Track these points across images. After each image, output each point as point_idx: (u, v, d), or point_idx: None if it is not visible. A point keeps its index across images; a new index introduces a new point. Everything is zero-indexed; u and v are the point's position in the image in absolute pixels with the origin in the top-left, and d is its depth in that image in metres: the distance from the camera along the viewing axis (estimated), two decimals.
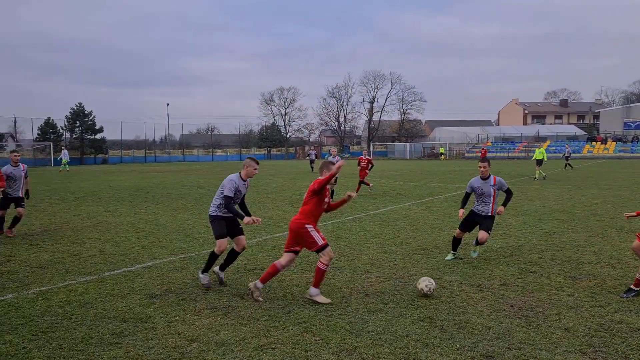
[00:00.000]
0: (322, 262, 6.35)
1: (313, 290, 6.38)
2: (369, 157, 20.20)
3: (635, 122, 73.12)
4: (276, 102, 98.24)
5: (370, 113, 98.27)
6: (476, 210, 8.51)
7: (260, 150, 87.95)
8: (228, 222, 7.12)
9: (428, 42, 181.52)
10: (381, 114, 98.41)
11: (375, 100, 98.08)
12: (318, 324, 5.58)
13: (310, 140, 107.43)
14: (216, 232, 7.06)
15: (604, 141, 67.85)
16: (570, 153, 39.13)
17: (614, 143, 66.45)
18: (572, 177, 28.44)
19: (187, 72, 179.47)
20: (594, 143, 68.03)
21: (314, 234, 6.36)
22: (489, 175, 8.41)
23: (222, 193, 6.97)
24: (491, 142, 77.17)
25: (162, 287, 7.10)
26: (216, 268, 7.29)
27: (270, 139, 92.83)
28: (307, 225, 6.37)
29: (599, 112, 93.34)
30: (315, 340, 5.12)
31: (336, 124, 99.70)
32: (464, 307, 6.09)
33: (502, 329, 5.38)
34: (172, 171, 42.62)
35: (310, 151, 40.79)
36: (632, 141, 66.68)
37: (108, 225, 12.63)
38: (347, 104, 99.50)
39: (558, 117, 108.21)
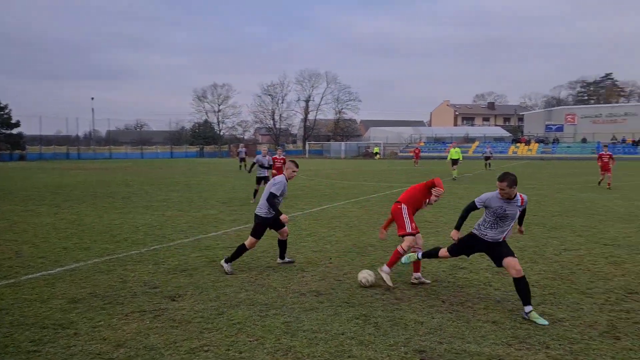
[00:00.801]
0: (401, 246, 6.96)
1: (385, 268, 7.00)
2: (283, 157, 19.78)
3: (556, 125, 77.92)
4: (209, 99, 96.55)
5: (306, 112, 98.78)
6: (482, 235, 6.23)
7: (193, 148, 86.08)
8: (272, 222, 7.86)
9: (364, 42, 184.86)
10: (317, 112, 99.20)
11: (311, 99, 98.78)
12: (253, 324, 5.53)
13: (245, 138, 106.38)
14: (257, 232, 7.77)
15: (527, 143, 71.79)
16: (492, 153, 40.51)
17: (537, 144, 70.47)
18: (492, 177, 29.82)
19: (115, 66, 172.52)
20: (518, 144, 71.80)
21: (406, 218, 7.02)
22: (516, 194, 6.07)
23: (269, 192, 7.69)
24: (424, 142, 79.68)
25: (86, 290, 6.77)
26: (279, 260, 8.29)
27: (203, 136, 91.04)
28: (403, 206, 7.09)
29: (523, 114, 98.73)
30: (250, 341, 5.07)
31: (271, 121, 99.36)
32: (397, 304, 6.24)
33: (434, 324, 5.56)
34: (98, 169, 40.82)
35: (241, 149, 39.81)
36: (552, 143, 71.00)
37: (26, 226, 11.90)
38: (282, 102, 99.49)
39: (486, 119, 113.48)
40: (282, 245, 8.26)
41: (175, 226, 12.01)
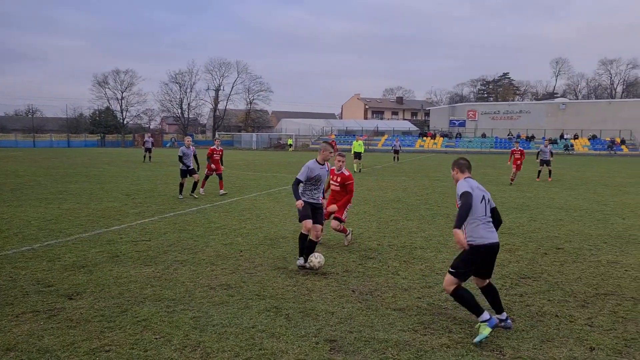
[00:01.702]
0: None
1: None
2: (221, 149, 19.14)
3: (459, 120, 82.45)
4: (111, 85, 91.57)
5: (216, 101, 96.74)
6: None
7: (93, 137, 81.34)
8: (312, 207, 7.46)
9: (276, 33, 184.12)
10: (227, 102, 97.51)
11: (221, 88, 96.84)
12: (159, 321, 5.34)
13: (151, 127, 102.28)
14: (301, 214, 7.35)
15: (433, 137, 75.40)
16: (400, 146, 42.01)
17: (442, 139, 74.22)
18: (406, 170, 31.09)
19: (4, 47, 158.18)
20: (425, 138, 75.19)
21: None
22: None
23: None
24: (335, 135, 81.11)
25: None
26: (300, 260, 7.45)
27: (105, 125, 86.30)
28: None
29: (429, 110, 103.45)
30: (156, 338, 4.90)
31: (179, 111, 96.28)
32: (309, 295, 6.32)
33: (344, 313, 5.69)
34: None
35: (147, 139, 37.92)
36: (456, 137, 75.12)
37: None
38: (191, 91, 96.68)
39: (395, 113, 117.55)
40: (310, 247, 7.43)
41: (73, 220, 11.30)
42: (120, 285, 6.60)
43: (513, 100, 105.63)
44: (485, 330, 4.90)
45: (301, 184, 7.42)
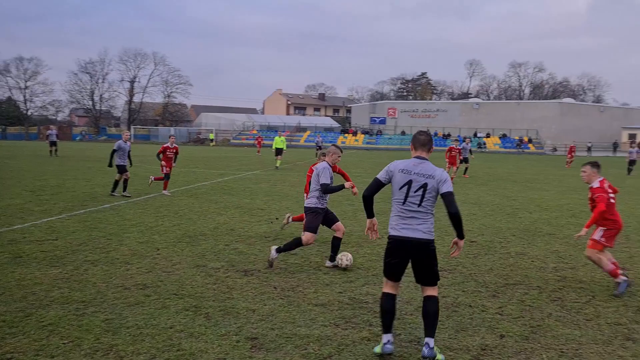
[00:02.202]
0: None
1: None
2: (176, 146, 17.43)
3: (379, 117, 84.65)
4: (14, 74, 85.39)
5: (131, 93, 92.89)
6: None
7: None
8: (324, 215, 7.62)
9: (196, 25, 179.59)
10: (143, 95, 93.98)
11: (137, 80, 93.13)
12: (67, 325, 5.05)
13: (58, 119, 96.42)
14: (310, 224, 7.41)
15: (354, 133, 76.87)
16: (322, 143, 42.53)
17: (363, 135, 75.84)
18: None
19: None
20: (346, 135, 76.49)
21: None
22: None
23: (319, 182, 7.46)
24: (257, 130, 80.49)
25: None
26: (328, 263, 7.58)
27: (6, 116, 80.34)
28: None
29: (351, 107, 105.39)
30: (64, 343, 4.63)
31: (90, 102, 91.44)
32: (229, 293, 6.23)
33: (266, 310, 5.67)
34: None
35: (50, 131, 34.91)
36: (376, 134, 77.05)
37: None
38: (103, 82, 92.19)
39: (317, 109, 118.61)
40: (336, 245, 7.62)
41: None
42: (23, 287, 6.17)
43: (431, 99, 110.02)
44: (377, 349, 4.61)
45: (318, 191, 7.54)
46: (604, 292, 6.68)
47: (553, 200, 15.91)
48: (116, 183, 14.85)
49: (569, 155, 34.08)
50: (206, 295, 6.10)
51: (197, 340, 4.81)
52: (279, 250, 7.39)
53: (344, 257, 7.46)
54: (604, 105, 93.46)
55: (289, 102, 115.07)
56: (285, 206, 13.50)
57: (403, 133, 76.87)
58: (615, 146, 68.03)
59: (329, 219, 7.81)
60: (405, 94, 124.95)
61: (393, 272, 4.68)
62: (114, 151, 14.74)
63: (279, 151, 27.91)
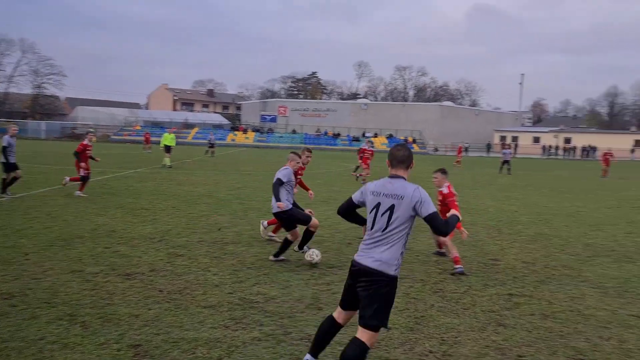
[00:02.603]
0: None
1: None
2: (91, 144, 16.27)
3: (270, 115, 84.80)
4: None
5: None
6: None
7: None
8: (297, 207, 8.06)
9: (67, 11, 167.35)
10: (8, 85, 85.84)
11: (0, 68, 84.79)
12: None
13: None
14: (304, 219, 7.97)
15: (245, 131, 76.26)
16: (214, 140, 41.70)
17: (254, 133, 75.46)
18: (218, 163, 30.89)
19: None
20: (236, 132, 75.66)
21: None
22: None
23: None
24: (141, 126, 76.96)
25: None
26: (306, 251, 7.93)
27: None
28: None
29: (241, 104, 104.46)
30: None
31: None
32: (109, 299, 5.88)
33: (150, 315, 5.42)
34: None
35: None
36: (267, 132, 77.09)
37: None
38: None
39: (205, 105, 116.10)
40: (307, 236, 8.14)
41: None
42: None
43: (321, 99, 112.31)
44: None
45: (283, 187, 8.02)
46: (479, 282, 7.23)
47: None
48: (4, 182, 13.42)
49: (459, 155, 37.96)
50: (83, 303, 5.70)
51: (73, 351, 4.48)
52: (276, 256, 7.91)
53: (314, 254, 7.71)
54: (479, 109, 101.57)
55: (176, 98, 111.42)
56: (171, 205, 13.04)
57: (294, 132, 77.66)
58: (489, 147, 73.98)
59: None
60: (296, 92, 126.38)
61: (342, 297, 4.18)
62: (4, 148, 13.15)
63: (167, 148, 26.75)
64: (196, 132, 72.39)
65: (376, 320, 3.82)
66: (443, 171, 8.20)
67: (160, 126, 76.68)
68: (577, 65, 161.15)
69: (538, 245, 9.89)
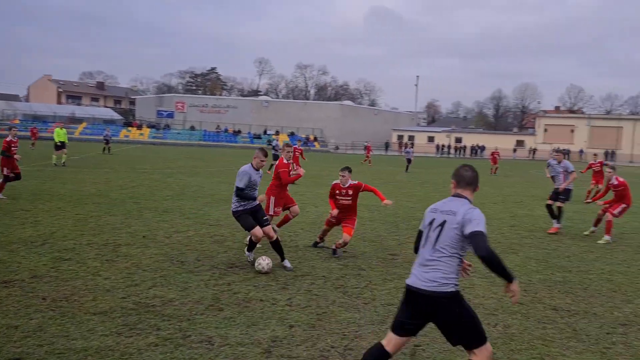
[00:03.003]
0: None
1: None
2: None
3: (167, 111, 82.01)
4: None
5: None
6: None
7: None
8: (252, 213, 7.62)
9: None
10: None
11: None
12: None
13: None
14: (245, 225, 7.55)
15: (139, 127, 73.10)
16: (111, 137, 39.76)
17: (149, 129, 72.54)
18: (110, 161, 29.29)
19: None
20: (130, 128, 72.32)
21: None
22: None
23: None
24: (19, 120, 71.12)
25: None
26: (286, 263, 7.69)
27: None
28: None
29: (135, 98, 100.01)
30: None
31: None
32: None
33: (32, 325, 5.03)
34: None
35: None
36: (164, 129, 74.47)
37: None
38: None
39: (95, 99, 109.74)
40: (276, 247, 7.72)
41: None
42: None
43: (221, 95, 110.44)
44: None
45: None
46: (379, 277, 7.48)
47: None
48: None
49: (368, 154, 39.59)
50: None
51: None
52: (249, 249, 7.85)
53: (263, 262, 7.34)
54: (377, 108, 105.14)
55: (61, 90, 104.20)
56: (56, 206, 12.18)
57: (192, 128, 75.73)
58: (387, 146, 76.89)
59: (258, 220, 7.63)
60: (194, 88, 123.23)
61: (397, 320, 3.83)
62: None
63: (61, 145, 24.48)
64: (84, 128, 68.29)
65: (476, 341, 3.66)
66: (350, 170, 8.67)
67: (43, 120, 71.44)
68: (466, 69, 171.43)
69: None
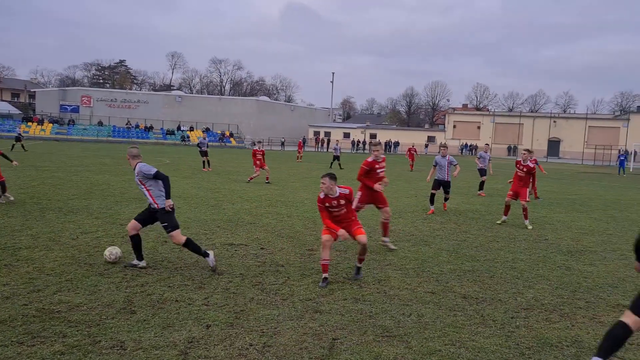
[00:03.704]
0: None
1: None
2: None
3: (72, 105, 77.66)
4: None
5: None
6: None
7: None
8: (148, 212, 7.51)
9: None
10: None
11: None
12: None
13: None
14: (169, 224, 7.36)
15: (40, 122, 68.70)
16: (23, 134, 38.03)
17: (51, 125, 68.35)
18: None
19: None
20: (30, 123, 67.80)
21: None
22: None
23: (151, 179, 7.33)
24: None
25: None
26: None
27: None
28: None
29: (35, 91, 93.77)
30: None
31: None
32: None
33: None
34: None
35: None
36: (68, 124, 70.46)
37: None
38: None
39: None
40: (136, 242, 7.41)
41: None
42: None
43: (131, 89, 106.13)
44: None
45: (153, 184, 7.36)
46: (297, 272, 7.52)
47: (253, 192, 17.18)
48: None
49: (300, 150, 40.14)
50: None
51: None
52: (185, 245, 7.40)
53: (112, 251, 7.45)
54: (294, 104, 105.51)
55: None
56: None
57: (100, 123, 72.19)
58: (304, 141, 77.44)
59: (150, 217, 7.51)
60: (102, 81, 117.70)
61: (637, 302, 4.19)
62: None
63: None
64: None
65: None
66: (332, 177, 7.22)
67: None
68: (380, 67, 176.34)
69: None
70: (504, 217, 12.73)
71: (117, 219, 11.02)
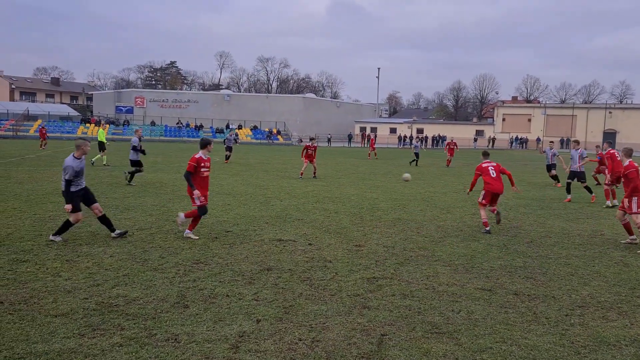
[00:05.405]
0: None
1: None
2: None
3: (126, 106, 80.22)
4: None
5: None
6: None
7: None
8: (82, 195, 8.70)
9: None
10: None
11: None
12: None
13: None
14: (74, 206, 8.47)
15: (98, 123, 71.32)
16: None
17: (108, 125, 70.82)
18: (58, 157, 28.37)
19: None
20: (88, 125, 70.50)
21: None
22: None
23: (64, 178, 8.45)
24: None
25: None
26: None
27: None
28: None
29: (92, 94, 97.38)
30: None
31: None
32: None
33: None
34: None
35: None
36: (123, 125, 72.85)
37: None
38: None
39: (50, 95, 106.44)
40: (104, 221, 8.93)
41: None
42: None
43: (181, 89, 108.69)
44: None
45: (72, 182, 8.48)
46: (345, 268, 7.53)
47: (301, 188, 17.28)
48: None
49: (372, 146, 39.10)
50: None
51: None
52: (55, 234, 8.61)
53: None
54: (340, 101, 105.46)
55: (14, 86, 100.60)
56: (12, 207, 11.77)
57: (153, 123, 74.28)
58: (350, 137, 77.22)
59: (87, 199, 8.83)
60: (154, 82, 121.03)
61: None
62: None
63: (101, 145, 24.61)
64: (39, 125, 66.11)
65: None
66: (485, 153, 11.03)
67: None
68: (427, 61, 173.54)
69: (397, 230, 10.55)
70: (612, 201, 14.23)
71: (170, 215, 11.31)
